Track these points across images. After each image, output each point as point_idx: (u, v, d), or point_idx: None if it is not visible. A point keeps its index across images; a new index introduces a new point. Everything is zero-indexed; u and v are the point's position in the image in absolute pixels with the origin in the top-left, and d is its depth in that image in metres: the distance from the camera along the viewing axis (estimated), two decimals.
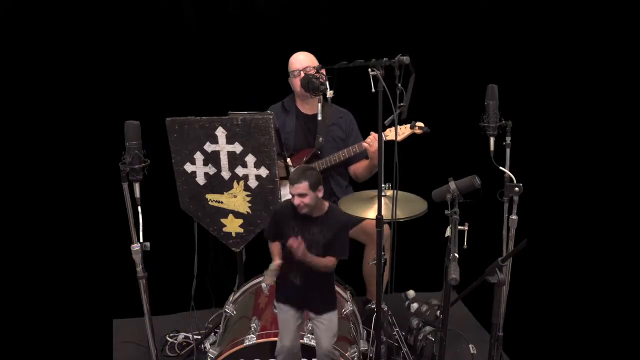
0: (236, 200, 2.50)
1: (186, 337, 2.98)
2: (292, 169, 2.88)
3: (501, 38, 3.20)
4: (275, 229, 2.10)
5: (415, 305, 2.85)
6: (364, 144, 2.73)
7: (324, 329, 2.10)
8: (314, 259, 2.01)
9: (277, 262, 2.07)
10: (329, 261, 2.04)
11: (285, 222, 2.06)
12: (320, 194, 2.01)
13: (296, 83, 2.83)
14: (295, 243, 1.93)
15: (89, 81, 3.04)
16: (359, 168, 2.96)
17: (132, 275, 2.30)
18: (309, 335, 2.19)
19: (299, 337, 2.16)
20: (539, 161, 3.12)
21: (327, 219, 2.05)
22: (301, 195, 1.96)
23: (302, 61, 2.84)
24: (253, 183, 2.43)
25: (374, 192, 2.29)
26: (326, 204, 2.06)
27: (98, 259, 3.09)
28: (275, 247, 2.11)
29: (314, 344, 2.16)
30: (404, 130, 2.63)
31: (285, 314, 2.13)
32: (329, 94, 2.44)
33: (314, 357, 2.19)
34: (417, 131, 2.62)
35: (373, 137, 2.70)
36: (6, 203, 2.92)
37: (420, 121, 2.65)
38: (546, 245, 2.98)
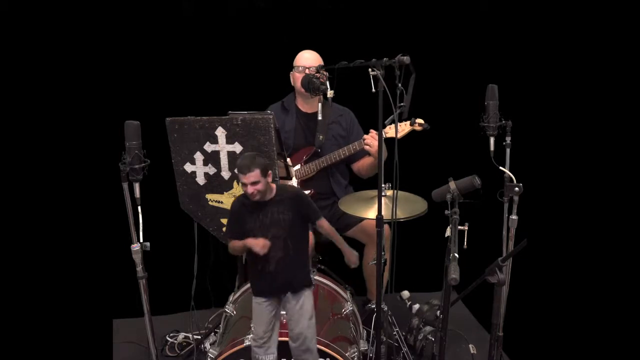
0: None
1: (186, 337, 2.98)
2: (292, 169, 2.89)
3: (501, 38, 3.20)
4: (237, 227, 2.10)
5: (416, 306, 2.86)
6: (365, 147, 2.73)
7: (298, 308, 2.10)
8: (344, 246, 2.22)
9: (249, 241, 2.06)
10: (327, 227, 2.19)
11: (245, 217, 2.07)
12: (270, 179, 2.03)
13: (297, 78, 2.83)
14: (260, 244, 1.99)
15: (89, 81, 3.04)
16: (363, 165, 2.96)
17: (132, 275, 2.30)
18: None
19: (275, 327, 2.14)
20: (539, 161, 3.12)
21: (281, 197, 2.07)
22: (254, 183, 1.97)
23: (309, 59, 2.85)
24: None
25: (374, 192, 2.29)
26: (274, 185, 2.08)
27: (98, 259, 3.08)
28: (238, 243, 2.10)
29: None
30: (404, 127, 2.63)
31: (260, 306, 2.13)
32: (330, 93, 2.44)
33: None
34: (417, 128, 2.61)
35: (372, 137, 2.69)
36: (6, 203, 2.92)
37: (420, 119, 2.64)
38: (546, 245, 2.98)
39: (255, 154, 2.05)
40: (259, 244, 2.00)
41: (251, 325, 2.17)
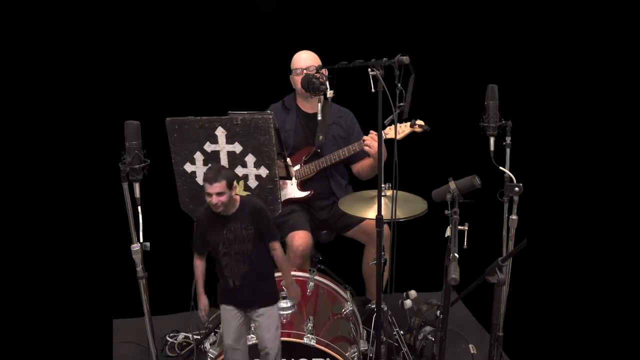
0: None
1: (186, 337, 2.98)
2: (292, 169, 2.89)
3: (501, 38, 3.20)
4: (202, 240, 2.12)
5: (408, 303, 2.84)
6: (365, 148, 2.72)
7: (265, 323, 2.10)
8: (288, 279, 2.18)
9: (203, 301, 2.19)
10: (278, 254, 2.12)
11: (209, 229, 2.08)
12: (234, 193, 2.04)
13: (297, 81, 2.83)
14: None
15: (89, 81, 3.04)
16: (363, 166, 2.95)
17: (132, 275, 2.30)
18: (308, 335, 2.19)
19: (244, 335, 2.16)
20: (539, 161, 3.12)
21: (243, 212, 2.07)
22: (219, 194, 1.98)
23: (305, 60, 2.84)
24: (253, 183, 2.42)
25: (374, 192, 2.29)
26: (237, 198, 2.07)
27: (98, 259, 3.09)
28: (199, 268, 2.18)
29: (314, 343, 2.16)
30: (404, 129, 2.63)
31: (228, 313, 2.14)
32: (329, 93, 2.44)
33: (314, 357, 2.19)
34: (417, 129, 2.61)
35: (371, 138, 2.69)
36: (7, 203, 2.93)
37: (421, 121, 2.64)
38: (546, 245, 2.98)
39: (222, 167, 2.10)
40: (202, 311, 2.17)
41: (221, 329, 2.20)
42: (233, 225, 2.04)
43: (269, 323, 2.10)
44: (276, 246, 2.12)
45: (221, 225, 2.06)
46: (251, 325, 2.16)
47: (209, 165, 2.39)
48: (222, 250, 2.06)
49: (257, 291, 2.10)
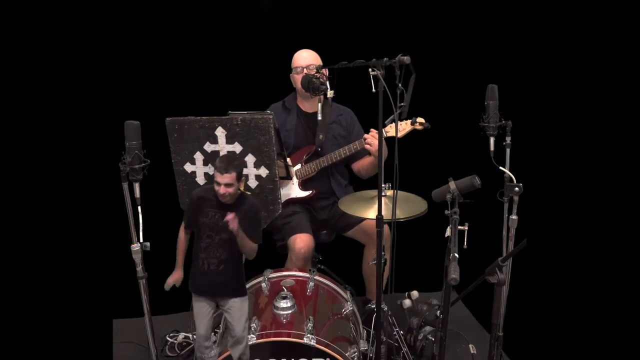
0: None
1: (186, 337, 2.98)
2: (292, 169, 2.89)
3: (501, 38, 3.20)
4: (193, 217, 2.21)
5: (407, 302, 2.84)
6: (366, 146, 2.73)
7: (235, 315, 2.20)
8: (243, 236, 2.12)
9: (178, 273, 2.28)
10: (251, 245, 2.17)
11: (203, 210, 2.17)
12: (242, 186, 2.14)
13: (298, 80, 2.83)
14: (231, 217, 2.03)
15: (89, 81, 3.04)
16: (363, 165, 2.95)
17: (132, 275, 2.30)
18: (308, 335, 2.19)
19: (212, 327, 2.30)
20: (539, 161, 3.12)
21: (242, 205, 2.16)
22: (228, 185, 2.07)
23: (305, 58, 2.84)
24: (253, 183, 2.43)
25: (374, 192, 2.29)
26: (239, 192, 2.16)
27: (98, 259, 3.08)
28: (182, 242, 2.29)
29: (314, 343, 2.16)
30: (405, 126, 2.63)
31: (199, 303, 2.25)
32: (330, 93, 2.44)
33: (314, 357, 2.19)
34: (418, 127, 2.61)
35: (372, 136, 2.69)
36: (6, 203, 2.92)
37: (421, 119, 2.64)
38: (546, 245, 2.98)
39: (234, 158, 2.17)
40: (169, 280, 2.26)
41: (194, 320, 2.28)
42: (226, 213, 2.09)
43: (240, 314, 2.21)
44: (255, 247, 2.20)
45: (216, 210, 2.15)
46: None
47: (209, 165, 2.40)
48: (207, 232, 2.16)
49: (229, 281, 2.21)
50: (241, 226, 2.08)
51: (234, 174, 2.06)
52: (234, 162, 2.09)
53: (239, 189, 2.13)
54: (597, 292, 2.93)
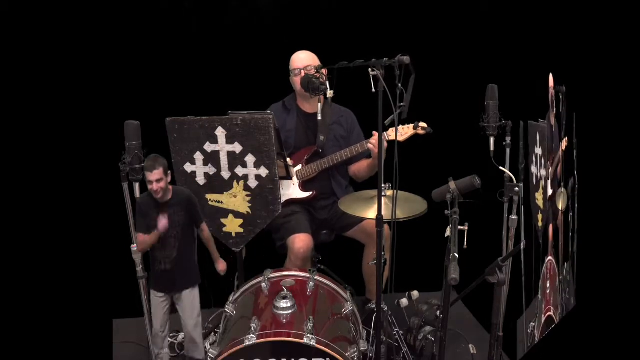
0: (236, 200, 2.50)
1: None
2: (292, 169, 2.89)
3: (501, 38, 3.20)
4: (143, 222, 2.35)
5: (404, 301, 2.84)
6: (369, 145, 2.72)
7: (188, 307, 2.42)
8: (214, 254, 2.55)
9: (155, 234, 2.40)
10: (206, 233, 2.50)
11: (148, 213, 2.33)
12: (169, 179, 2.34)
13: (297, 82, 2.83)
14: (163, 223, 2.30)
15: (89, 81, 3.04)
16: (360, 168, 2.96)
17: (132, 275, 2.31)
18: (308, 335, 2.19)
19: (168, 320, 2.53)
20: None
21: (176, 199, 2.38)
22: (158, 180, 2.25)
23: (303, 60, 2.84)
24: (253, 183, 2.43)
25: (374, 192, 2.29)
26: (171, 187, 2.35)
27: (98, 259, 3.08)
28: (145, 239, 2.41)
29: (314, 343, 2.16)
30: (407, 131, 2.64)
31: (156, 300, 2.46)
32: (330, 94, 2.44)
33: (314, 357, 2.19)
34: (420, 132, 2.62)
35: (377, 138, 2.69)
36: (6, 203, 2.92)
37: (421, 121, 2.64)
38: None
39: (158, 155, 2.30)
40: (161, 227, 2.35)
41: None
42: (168, 211, 2.30)
43: (192, 307, 2.42)
44: (204, 227, 2.48)
45: (158, 210, 2.31)
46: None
47: (209, 165, 2.40)
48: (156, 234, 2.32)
49: (185, 275, 2.41)
50: (179, 219, 2.34)
51: (161, 169, 2.25)
52: (158, 160, 2.26)
53: (168, 183, 2.30)
54: (596, 291, 2.93)
